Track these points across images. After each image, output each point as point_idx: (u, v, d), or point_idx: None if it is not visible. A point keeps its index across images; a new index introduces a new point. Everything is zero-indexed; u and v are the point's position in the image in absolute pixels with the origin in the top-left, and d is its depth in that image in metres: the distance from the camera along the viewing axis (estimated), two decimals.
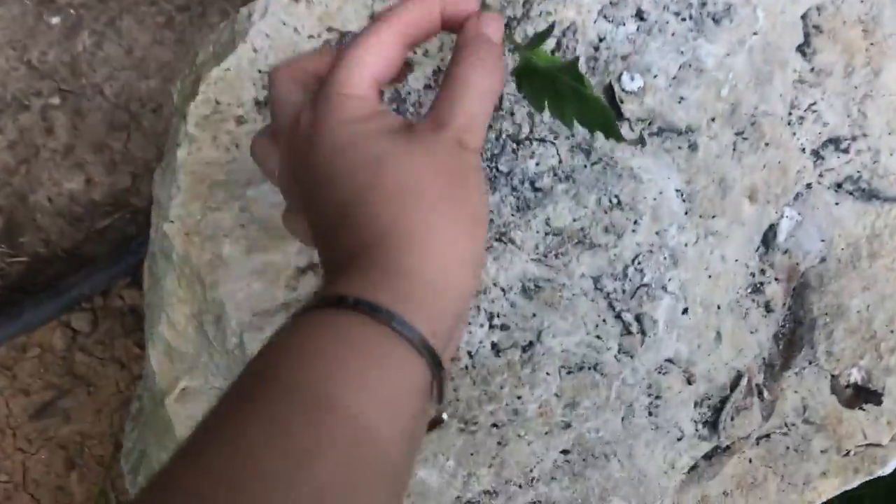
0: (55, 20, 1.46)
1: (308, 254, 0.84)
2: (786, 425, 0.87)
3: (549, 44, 0.89)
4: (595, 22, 0.89)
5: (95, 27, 1.46)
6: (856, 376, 0.84)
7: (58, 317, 1.34)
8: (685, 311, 0.82)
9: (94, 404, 1.30)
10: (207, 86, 0.88)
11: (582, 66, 0.88)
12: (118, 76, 1.44)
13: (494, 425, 0.78)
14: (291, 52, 0.90)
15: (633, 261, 0.82)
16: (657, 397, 0.81)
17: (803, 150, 0.89)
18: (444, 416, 0.49)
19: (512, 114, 0.87)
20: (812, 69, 0.90)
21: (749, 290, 0.85)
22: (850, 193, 0.87)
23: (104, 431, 1.29)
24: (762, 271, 0.86)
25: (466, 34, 0.47)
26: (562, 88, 0.47)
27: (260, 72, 0.89)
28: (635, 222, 0.83)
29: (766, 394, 0.84)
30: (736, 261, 0.85)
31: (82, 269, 1.36)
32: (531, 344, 0.80)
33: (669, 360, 0.82)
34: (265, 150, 0.52)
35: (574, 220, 0.83)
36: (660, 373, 0.81)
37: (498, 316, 0.81)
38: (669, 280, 0.82)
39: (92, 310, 1.36)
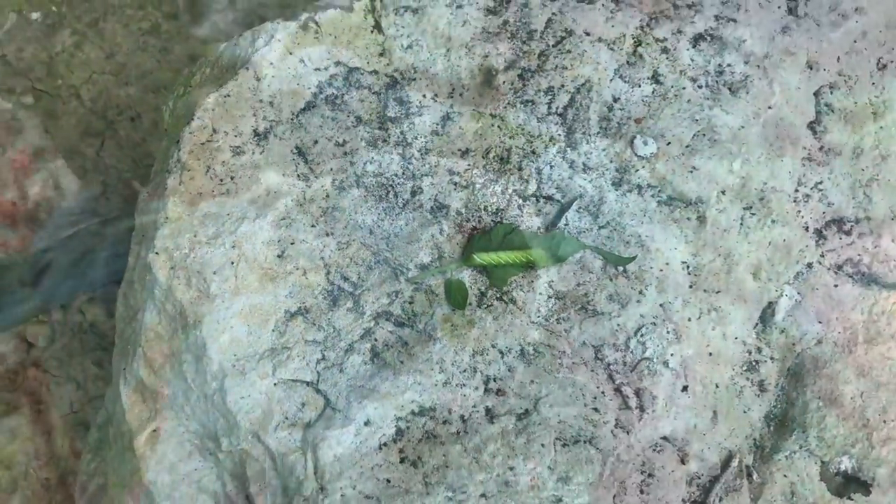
0: (35, 16, 1.40)
1: (299, 297, 0.79)
2: None
3: (563, 100, 0.86)
4: (611, 81, 0.87)
5: (77, 27, 1.39)
6: (846, 464, 0.83)
7: (11, 328, 1.27)
8: (685, 388, 0.79)
9: (44, 425, 1.23)
10: (204, 111, 0.84)
11: (594, 126, 0.85)
12: (96, 80, 1.38)
13: (483, 496, 0.74)
14: (296, 85, 0.86)
15: (636, 332, 0.79)
16: (650, 475, 0.78)
17: (806, 228, 0.87)
18: None
19: (520, 168, 0.84)
20: (821, 147, 0.89)
21: (744, 368, 0.84)
22: (850, 276, 0.86)
23: (52, 454, 1.22)
24: (758, 349, 0.84)
25: None
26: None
27: (261, 101, 0.85)
28: (640, 292, 0.80)
29: (755, 476, 0.82)
30: (735, 338, 0.83)
31: (42, 279, 1.29)
32: (527, 412, 0.77)
33: (665, 438, 0.79)
34: None
35: (578, 285, 0.80)
36: (655, 450, 0.79)
37: (495, 380, 0.78)
38: (671, 355, 0.79)
39: (49, 323, 1.29)
